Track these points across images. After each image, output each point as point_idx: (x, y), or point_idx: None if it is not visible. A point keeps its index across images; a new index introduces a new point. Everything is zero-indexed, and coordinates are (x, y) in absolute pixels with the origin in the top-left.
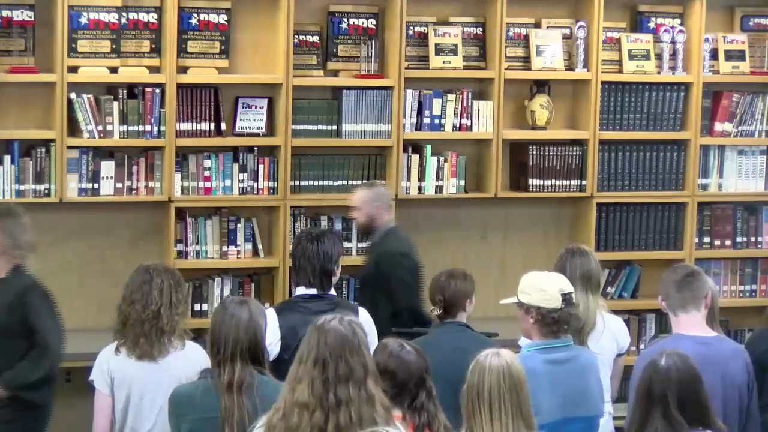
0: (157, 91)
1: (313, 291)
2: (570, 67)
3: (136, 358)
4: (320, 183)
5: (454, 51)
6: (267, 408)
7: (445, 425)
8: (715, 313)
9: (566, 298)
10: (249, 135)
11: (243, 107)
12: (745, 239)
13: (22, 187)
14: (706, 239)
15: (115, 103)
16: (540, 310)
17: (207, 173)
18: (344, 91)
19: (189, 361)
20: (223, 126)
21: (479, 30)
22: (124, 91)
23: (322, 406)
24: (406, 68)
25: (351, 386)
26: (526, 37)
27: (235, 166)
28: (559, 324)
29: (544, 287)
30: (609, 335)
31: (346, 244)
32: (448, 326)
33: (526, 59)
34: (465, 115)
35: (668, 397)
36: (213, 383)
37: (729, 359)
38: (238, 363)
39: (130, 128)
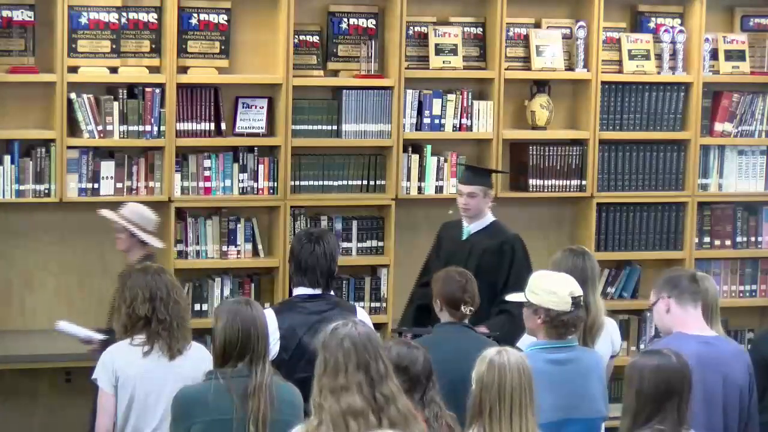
0: (157, 91)
1: (318, 291)
2: (570, 67)
3: (168, 357)
4: (320, 183)
5: (454, 51)
6: (277, 408)
7: (449, 419)
8: (717, 313)
9: (576, 302)
10: (249, 135)
11: (243, 107)
12: (745, 239)
13: (22, 187)
14: (706, 239)
15: (115, 103)
16: (549, 313)
17: (207, 173)
18: (344, 91)
19: (194, 361)
20: (223, 126)
21: (479, 30)
22: (124, 91)
23: (373, 409)
24: (406, 68)
25: (390, 382)
26: (526, 37)
27: (235, 166)
28: (567, 327)
29: (554, 290)
30: (607, 337)
31: (346, 244)
32: (452, 326)
33: (526, 59)
34: (465, 115)
35: (683, 392)
36: (226, 385)
37: (731, 359)
38: (268, 362)
39: (130, 128)
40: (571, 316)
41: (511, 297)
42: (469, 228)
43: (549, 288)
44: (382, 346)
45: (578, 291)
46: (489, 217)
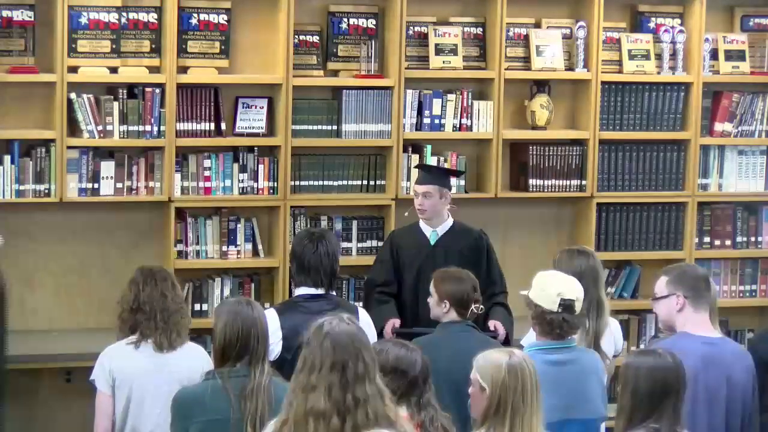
0: (157, 91)
1: (320, 291)
2: (570, 67)
3: (156, 349)
4: (320, 183)
5: (454, 51)
6: (275, 409)
7: (445, 420)
8: (716, 313)
9: (564, 304)
10: (249, 135)
11: (243, 107)
12: (745, 239)
13: (22, 187)
14: (706, 239)
15: (115, 103)
16: (536, 309)
17: (207, 173)
18: (344, 91)
19: (190, 361)
20: (223, 126)
21: (479, 30)
22: (124, 91)
23: (338, 411)
24: (406, 68)
25: (367, 384)
26: (526, 37)
27: (235, 166)
28: (552, 326)
29: (545, 287)
30: (610, 336)
31: (346, 244)
32: (457, 326)
33: (526, 59)
34: (465, 115)
35: (680, 391)
36: (223, 385)
37: (734, 360)
38: (267, 363)
39: (130, 128)
40: (555, 317)
41: (524, 292)
42: (436, 231)
43: (541, 284)
44: (366, 346)
45: (569, 294)
46: (450, 218)
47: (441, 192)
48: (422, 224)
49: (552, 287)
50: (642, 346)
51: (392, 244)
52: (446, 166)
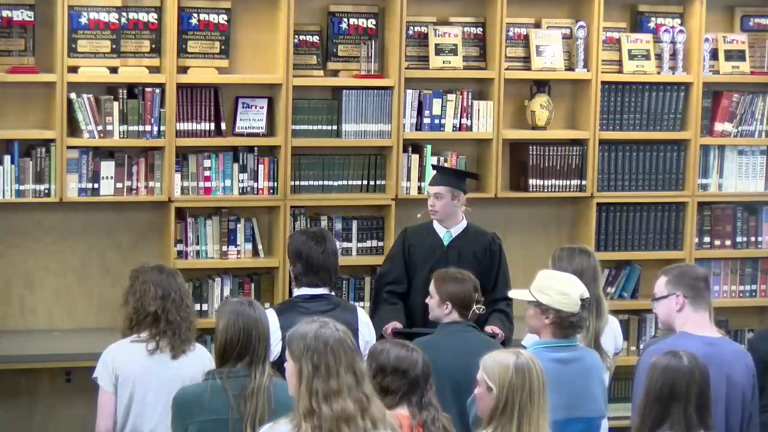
0: (157, 91)
1: (321, 291)
2: (570, 67)
3: (171, 357)
4: (320, 183)
5: (454, 51)
6: (275, 410)
7: (446, 421)
8: (712, 313)
9: (583, 304)
10: (249, 135)
11: (243, 107)
12: (745, 239)
13: (22, 187)
14: (706, 239)
15: (115, 103)
16: (560, 314)
17: (207, 173)
18: (344, 91)
19: (195, 361)
20: (223, 126)
21: (479, 30)
22: (124, 91)
23: (361, 410)
24: (406, 68)
25: (368, 381)
26: (526, 37)
27: (235, 166)
28: (574, 328)
29: (567, 291)
30: (611, 335)
31: (346, 244)
32: (458, 326)
33: (526, 59)
34: (465, 115)
35: (690, 397)
36: (223, 385)
37: (734, 360)
38: (267, 364)
39: (130, 128)
40: (578, 317)
41: (515, 294)
42: (450, 232)
43: (561, 289)
44: (355, 350)
45: (586, 293)
46: (464, 220)
47: (453, 193)
48: (436, 225)
49: (573, 290)
50: (642, 347)
51: (404, 241)
52: (459, 167)
